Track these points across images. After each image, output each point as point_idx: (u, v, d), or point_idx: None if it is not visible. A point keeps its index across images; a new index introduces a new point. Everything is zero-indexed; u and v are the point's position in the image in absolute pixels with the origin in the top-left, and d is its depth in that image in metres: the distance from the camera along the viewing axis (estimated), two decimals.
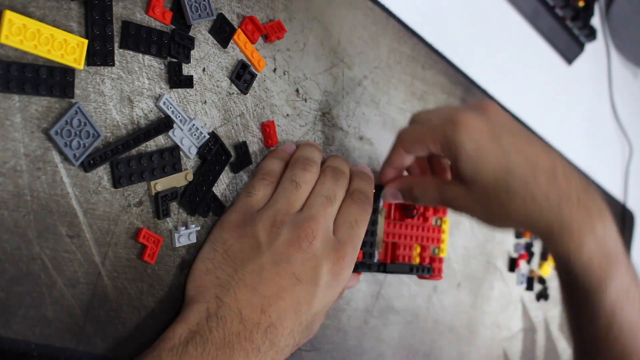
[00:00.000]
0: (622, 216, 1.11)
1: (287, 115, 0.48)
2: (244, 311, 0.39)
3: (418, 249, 0.57)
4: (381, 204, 0.52)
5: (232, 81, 0.44)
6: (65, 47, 0.35)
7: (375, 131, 0.56)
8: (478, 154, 0.43)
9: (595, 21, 0.99)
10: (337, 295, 0.45)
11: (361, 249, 0.50)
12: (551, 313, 0.89)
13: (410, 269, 0.55)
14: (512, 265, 0.77)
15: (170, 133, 0.40)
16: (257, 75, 0.46)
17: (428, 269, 0.56)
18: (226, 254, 0.41)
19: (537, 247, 0.84)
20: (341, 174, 0.46)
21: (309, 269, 0.41)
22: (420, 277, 0.57)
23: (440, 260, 0.58)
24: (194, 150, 0.42)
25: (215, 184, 0.43)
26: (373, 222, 0.51)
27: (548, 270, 0.81)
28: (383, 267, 0.53)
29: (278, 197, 0.43)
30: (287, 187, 0.44)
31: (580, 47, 0.90)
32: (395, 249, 0.54)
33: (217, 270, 0.40)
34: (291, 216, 0.42)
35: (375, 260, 0.52)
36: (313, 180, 0.45)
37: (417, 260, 0.56)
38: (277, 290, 0.40)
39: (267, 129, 0.46)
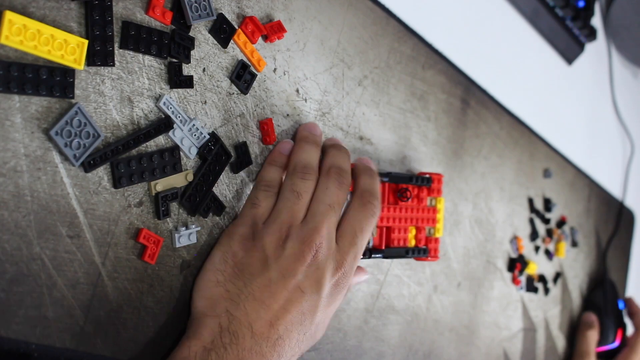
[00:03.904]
0: (619, 215, 1.10)
1: (287, 115, 0.48)
2: (254, 325, 0.40)
3: (413, 231, 0.56)
4: None
5: (232, 81, 0.44)
6: (66, 48, 0.35)
7: (375, 131, 0.56)
8: None
9: (596, 21, 0.99)
10: (340, 301, 0.45)
11: None
12: (551, 313, 0.89)
13: (406, 252, 0.55)
14: (512, 265, 0.77)
15: (170, 133, 0.40)
16: (257, 75, 0.46)
17: (424, 250, 0.56)
18: (236, 266, 0.41)
19: (529, 252, 0.84)
20: (345, 175, 0.46)
21: (312, 281, 0.42)
22: (417, 259, 0.57)
23: (436, 240, 0.58)
24: (194, 151, 0.42)
25: (216, 184, 0.43)
26: None
27: (534, 267, 0.81)
28: (378, 253, 0.53)
29: (281, 209, 0.44)
30: (288, 197, 0.44)
31: (581, 47, 0.90)
32: (389, 233, 0.54)
33: (228, 283, 0.41)
34: (295, 229, 0.43)
35: (370, 246, 0.52)
36: (312, 187, 0.45)
37: (413, 242, 0.56)
38: (284, 303, 0.41)
39: (265, 127, 0.46)
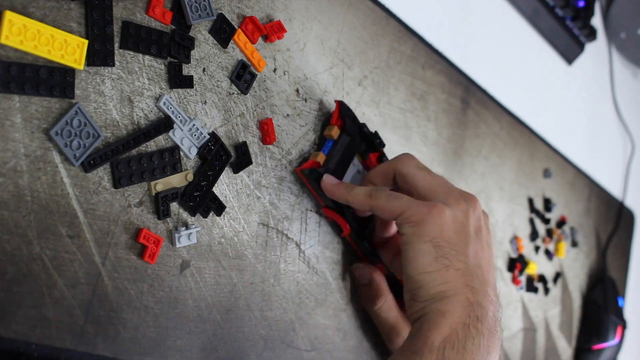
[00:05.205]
0: (619, 215, 1.10)
1: (287, 115, 0.48)
2: (489, 289, 0.44)
3: None
4: None
5: (232, 81, 0.44)
6: (66, 48, 0.35)
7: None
8: None
9: (596, 21, 0.99)
10: None
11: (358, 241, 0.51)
12: (551, 313, 0.89)
13: None
14: (512, 265, 0.77)
15: (170, 133, 0.40)
16: (257, 75, 0.46)
17: None
18: (448, 244, 0.44)
19: (529, 252, 0.84)
20: None
21: (486, 230, 0.48)
22: None
23: None
24: (194, 151, 0.42)
25: (216, 184, 0.43)
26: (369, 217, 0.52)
27: (534, 267, 0.81)
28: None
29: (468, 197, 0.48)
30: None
31: (581, 47, 0.90)
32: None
33: (454, 262, 0.43)
34: (465, 197, 0.47)
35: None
36: None
37: None
38: (487, 260, 0.46)
39: (265, 127, 0.46)
